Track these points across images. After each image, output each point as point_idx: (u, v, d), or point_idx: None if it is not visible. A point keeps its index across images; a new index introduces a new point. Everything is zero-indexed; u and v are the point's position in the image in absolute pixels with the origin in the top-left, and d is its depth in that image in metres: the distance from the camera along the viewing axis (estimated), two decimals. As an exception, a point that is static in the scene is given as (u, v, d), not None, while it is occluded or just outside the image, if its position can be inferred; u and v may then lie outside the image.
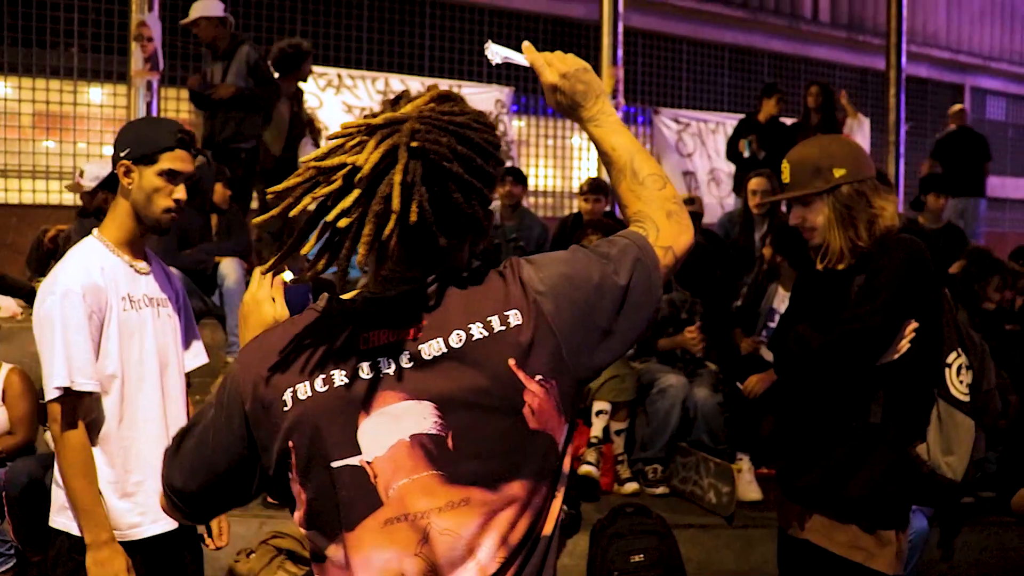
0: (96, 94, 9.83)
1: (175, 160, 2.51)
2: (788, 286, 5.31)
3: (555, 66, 1.69)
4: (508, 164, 9.42)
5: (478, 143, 1.43)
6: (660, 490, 5.27)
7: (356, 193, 1.35)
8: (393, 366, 1.39)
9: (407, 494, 1.39)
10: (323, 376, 1.40)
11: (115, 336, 2.48)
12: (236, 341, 5.57)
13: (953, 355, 2.60)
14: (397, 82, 9.16)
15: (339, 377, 1.40)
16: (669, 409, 5.33)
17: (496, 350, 1.39)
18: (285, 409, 1.41)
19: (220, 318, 5.90)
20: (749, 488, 5.14)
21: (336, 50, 10.58)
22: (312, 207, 1.41)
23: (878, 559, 2.60)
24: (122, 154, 2.52)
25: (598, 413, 5.28)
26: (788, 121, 8.49)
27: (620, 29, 9.08)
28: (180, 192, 2.53)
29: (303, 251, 1.42)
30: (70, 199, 6.65)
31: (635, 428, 5.50)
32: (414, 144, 1.36)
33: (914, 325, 2.56)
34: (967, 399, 2.58)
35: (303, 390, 1.41)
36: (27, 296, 6.42)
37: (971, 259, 5.86)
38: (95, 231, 2.60)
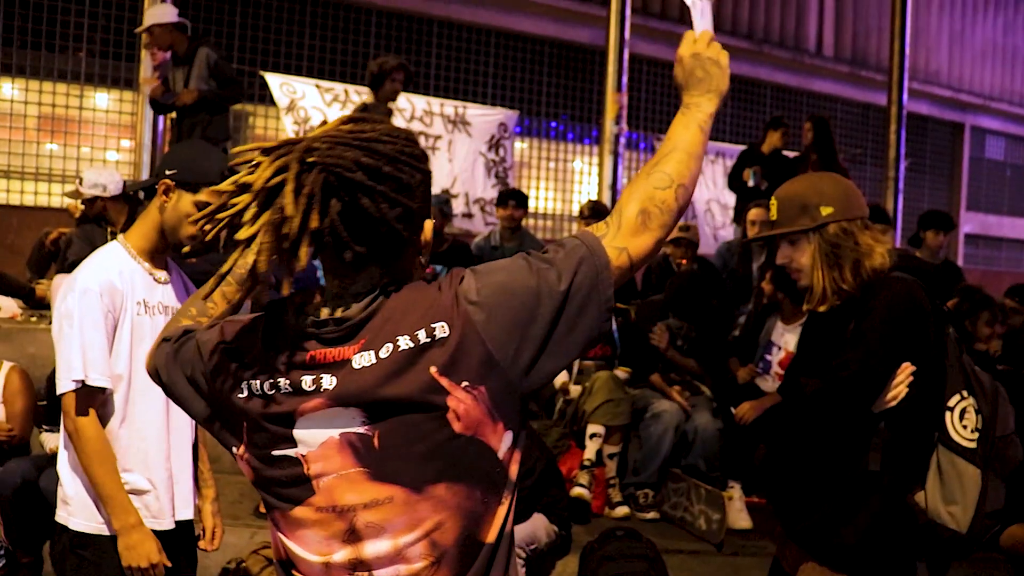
0: (102, 99, 9.87)
1: (215, 195, 2.56)
2: (788, 320, 5.35)
3: (696, 44, 1.74)
4: (504, 188, 9.46)
5: (386, 153, 1.48)
6: (651, 515, 5.28)
7: (254, 208, 1.46)
8: (334, 380, 1.47)
9: (335, 487, 1.49)
10: (271, 381, 1.50)
11: (127, 338, 2.54)
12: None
13: (956, 398, 2.45)
14: (403, 100, 9.19)
15: (284, 386, 1.49)
16: (662, 434, 5.35)
17: (419, 359, 1.44)
18: (241, 396, 1.53)
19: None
20: (739, 516, 5.16)
21: (343, 65, 10.65)
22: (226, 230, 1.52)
23: None
24: (168, 172, 2.60)
25: (592, 436, 5.29)
26: (790, 155, 8.52)
27: (626, 56, 9.14)
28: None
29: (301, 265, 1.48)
30: (72, 202, 6.67)
31: (628, 452, 5.51)
32: (310, 159, 1.44)
33: (910, 368, 2.42)
34: (973, 445, 2.42)
35: (255, 386, 1.51)
36: (26, 297, 6.43)
37: (962, 296, 5.87)
38: (120, 236, 2.67)
